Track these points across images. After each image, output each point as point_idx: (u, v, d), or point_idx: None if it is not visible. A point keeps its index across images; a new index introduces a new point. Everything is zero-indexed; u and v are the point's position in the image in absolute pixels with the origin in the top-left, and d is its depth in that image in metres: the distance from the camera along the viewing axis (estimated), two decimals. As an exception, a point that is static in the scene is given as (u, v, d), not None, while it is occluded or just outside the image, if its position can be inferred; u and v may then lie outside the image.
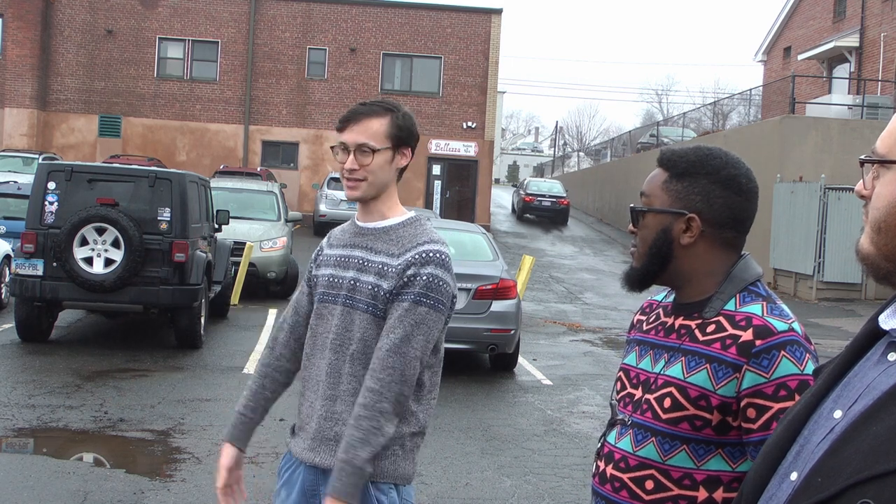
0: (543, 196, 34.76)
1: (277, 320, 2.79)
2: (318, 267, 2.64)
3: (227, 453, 2.68)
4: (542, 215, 34.78)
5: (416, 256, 2.44)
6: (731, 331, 1.86)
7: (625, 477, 1.92)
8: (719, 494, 1.85)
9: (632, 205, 2.04)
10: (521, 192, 36.20)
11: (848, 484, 1.10)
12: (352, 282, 2.50)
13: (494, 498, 6.04)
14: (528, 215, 35.35)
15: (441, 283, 2.44)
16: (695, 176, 1.97)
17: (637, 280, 2.04)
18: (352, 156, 2.47)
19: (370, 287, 2.46)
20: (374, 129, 2.48)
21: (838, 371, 1.29)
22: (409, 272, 2.43)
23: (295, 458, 2.58)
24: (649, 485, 1.88)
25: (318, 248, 2.71)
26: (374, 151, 2.47)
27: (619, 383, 2.07)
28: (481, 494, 6.09)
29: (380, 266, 2.47)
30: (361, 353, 2.47)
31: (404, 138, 2.52)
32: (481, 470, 6.63)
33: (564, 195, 35.49)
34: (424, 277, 2.42)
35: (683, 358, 1.90)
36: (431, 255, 2.45)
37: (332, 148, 2.57)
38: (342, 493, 2.32)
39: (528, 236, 31.06)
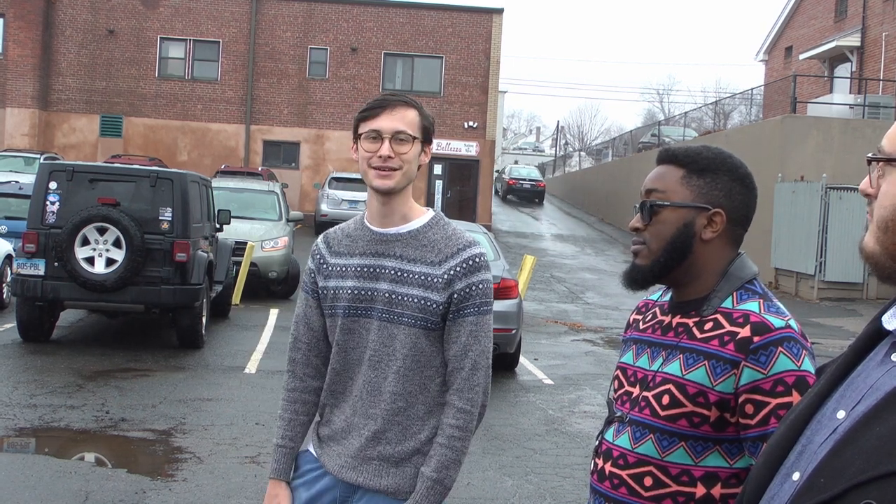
0: (524, 180, 42.23)
1: (283, 336, 2.67)
2: (326, 279, 2.48)
3: (282, 494, 2.52)
4: (522, 196, 41.74)
5: (463, 266, 2.38)
6: (728, 328, 1.88)
7: (623, 474, 1.93)
8: (717, 490, 1.87)
9: (646, 199, 2.01)
10: (505, 177, 42.80)
11: (851, 484, 1.10)
12: (388, 294, 2.38)
13: (496, 497, 6.04)
14: (510, 196, 41.76)
15: (490, 286, 2.43)
16: (716, 172, 1.99)
17: (647, 277, 2.01)
18: (387, 143, 2.36)
19: (417, 300, 2.36)
20: (410, 118, 2.40)
21: (841, 371, 1.29)
22: (461, 284, 2.37)
23: (322, 466, 2.50)
24: (648, 481, 1.90)
25: (318, 257, 2.54)
26: (413, 139, 2.39)
27: (616, 381, 2.08)
28: (483, 494, 6.09)
29: (422, 277, 2.37)
30: (411, 369, 2.39)
31: (430, 134, 2.47)
32: (483, 469, 6.63)
33: (541, 179, 43.81)
34: (480, 286, 2.39)
35: (681, 355, 1.91)
36: (476, 261, 2.40)
37: (358, 136, 2.39)
38: None
39: (529, 236, 31.07)
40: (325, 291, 2.48)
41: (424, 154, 2.46)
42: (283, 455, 2.55)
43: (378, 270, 2.41)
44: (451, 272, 2.37)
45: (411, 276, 2.38)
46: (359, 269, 2.43)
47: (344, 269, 2.46)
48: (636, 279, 2.02)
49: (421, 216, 2.46)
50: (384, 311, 2.38)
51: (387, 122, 2.37)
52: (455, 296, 2.36)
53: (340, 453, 2.45)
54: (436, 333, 2.39)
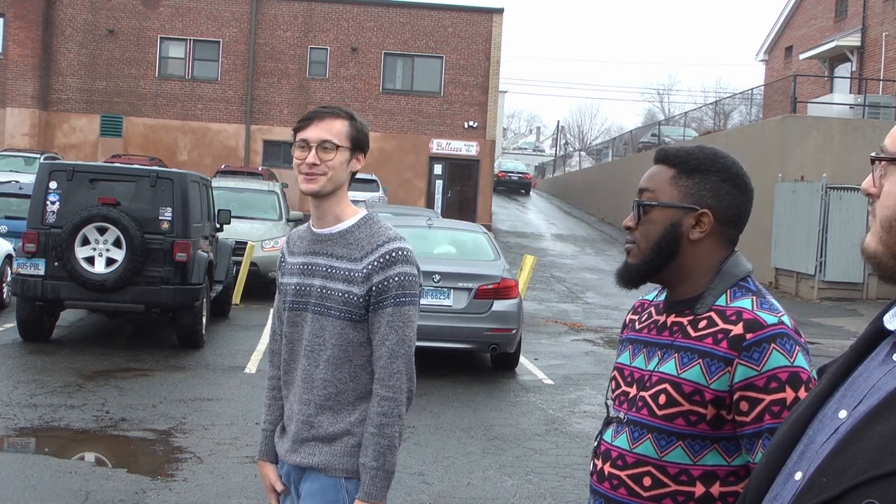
0: (512, 172, 47.53)
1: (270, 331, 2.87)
2: (284, 276, 2.74)
3: (269, 470, 2.78)
4: (511, 187, 46.30)
5: (381, 259, 2.54)
6: (721, 325, 1.88)
7: (622, 474, 1.94)
8: (716, 489, 1.87)
9: (636, 199, 2.03)
10: (494, 170, 46.57)
11: (853, 484, 1.10)
12: (320, 289, 2.60)
13: (496, 497, 6.04)
14: (500, 187, 45.00)
15: (412, 279, 2.57)
16: (705, 173, 1.99)
17: (636, 276, 2.02)
18: (314, 151, 2.57)
19: (341, 293, 2.55)
20: (336, 129, 2.60)
21: (843, 371, 1.29)
22: (378, 277, 2.53)
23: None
24: (647, 481, 1.90)
25: (281, 256, 2.80)
26: (337, 147, 2.58)
27: (613, 382, 2.08)
28: (483, 494, 6.09)
29: (346, 272, 2.56)
30: (339, 358, 2.57)
31: (361, 143, 2.65)
32: (483, 469, 6.63)
33: (528, 172, 49.90)
34: (396, 279, 2.54)
35: (676, 354, 1.92)
36: (394, 254, 2.55)
37: (291, 146, 2.65)
38: (377, 496, 2.52)
39: (529, 236, 31.07)
40: (282, 287, 2.76)
41: (356, 161, 2.65)
42: (265, 437, 2.82)
43: (313, 268, 2.64)
44: (370, 266, 2.55)
45: (338, 272, 2.58)
46: (301, 266, 2.67)
47: (293, 266, 2.71)
48: (626, 278, 2.04)
49: (352, 216, 2.65)
50: (316, 304, 2.60)
51: (314, 132, 2.60)
52: (373, 288, 2.54)
53: (287, 439, 2.68)
54: (362, 325, 2.57)
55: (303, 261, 2.66)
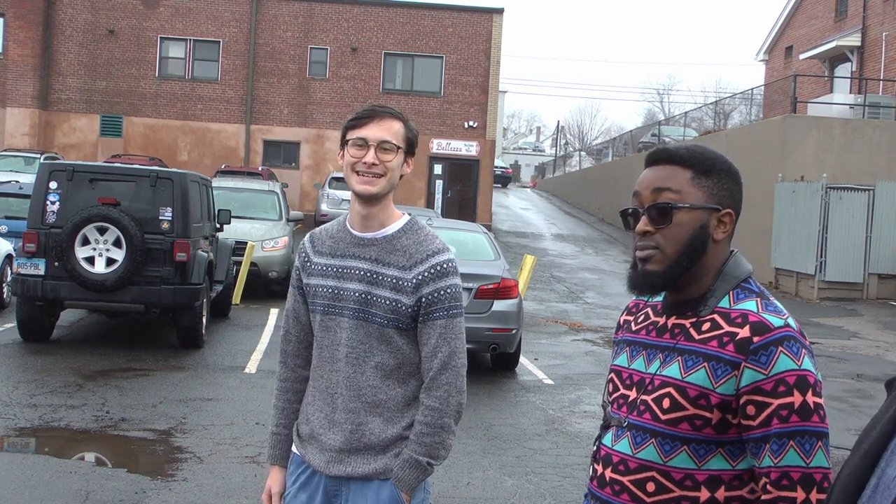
0: (496, 167, 50.62)
1: (279, 332, 2.79)
2: (309, 276, 2.63)
3: (276, 478, 2.72)
4: (495, 179, 49.39)
5: (431, 271, 2.51)
6: (727, 328, 1.85)
7: (625, 480, 1.90)
8: (721, 493, 1.85)
9: (660, 202, 1.92)
10: None
11: None
12: (363, 295, 2.51)
13: (496, 497, 6.04)
14: None
15: (459, 290, 2.55)
16: (719, 172, 1.97)
17: (666, 282, 1.92)
18: (373, 150, 2.49)
19: (389, 301, 2.50)
20: (395, 130, 2.53)
21: None
22: (428, 289, 2.49)
23: (308, 465, 2.61)
24: (650, 487, 1.87)
25: (303, 255, 2.68)
26: (397, 149, 2.52)
27: (610, 385, 2.05)
28: (483, 494, 6.09)
29: (393, 280, 2.51)
30: (388, 365, 2.52)
31: (413, 147, 2.59)
32: (483, 469, 6.63)
33: (508, 167, 57.88)
34: (448, 291, 2.52)
35: (680, 357, 1.89)
36: (444, 266, 2.52)
37: (346, 142, 2.53)
38: (408, 486, 2.52)
39: (529, 236, 31.07)
40: (308, 288, 2.64)
41: (406, 165, 2.59)
42: (277, 442, 2.73)
43: (354, 272, 2.55)
44: (420, 277, 2.50)
45: (384, 278, 2.52)
46: (338, 269, 2.57)
47: (325, 268, 2.60)
48: (649, 285, 1.93)
49: (396, 221, 2.59)
50: (358, 310, 2.52)
51: (374, 131, 2.51)
52: (423, 300, 2.50)
53: (323, 449, 2.57)
54: (409, 333, 2.53)
55: (339, 263, 2.57)
